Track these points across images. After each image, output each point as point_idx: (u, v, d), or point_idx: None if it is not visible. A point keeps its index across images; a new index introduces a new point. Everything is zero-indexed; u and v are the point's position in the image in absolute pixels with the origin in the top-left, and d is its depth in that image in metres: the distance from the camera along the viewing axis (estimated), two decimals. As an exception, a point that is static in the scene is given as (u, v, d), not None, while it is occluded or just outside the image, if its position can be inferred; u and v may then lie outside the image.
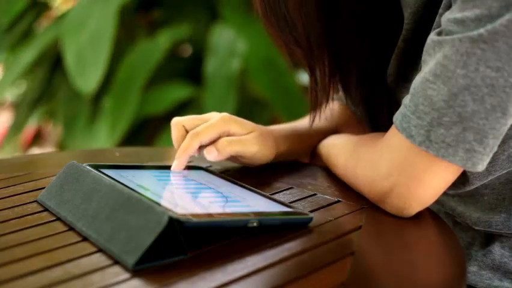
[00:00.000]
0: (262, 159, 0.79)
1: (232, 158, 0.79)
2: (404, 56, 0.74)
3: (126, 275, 0.51)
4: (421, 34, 0.67)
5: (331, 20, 0.74)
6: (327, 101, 0.79)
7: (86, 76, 1.85)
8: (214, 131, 0.75)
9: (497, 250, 0.75)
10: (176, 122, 0.77)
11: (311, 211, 0.65)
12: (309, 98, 0.79)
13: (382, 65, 0.78)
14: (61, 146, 2.22)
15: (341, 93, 0.91)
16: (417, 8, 0.69)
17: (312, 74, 0.77)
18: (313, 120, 0.80)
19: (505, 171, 0.69)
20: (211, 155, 0.74)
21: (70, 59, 1.87)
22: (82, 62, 1.86)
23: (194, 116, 0.78)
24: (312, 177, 0.80)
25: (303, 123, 0.87)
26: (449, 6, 0.62)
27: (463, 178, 0.67)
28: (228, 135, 0.76)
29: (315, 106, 0.79)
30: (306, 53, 0.75)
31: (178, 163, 0.74)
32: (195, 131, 0.75)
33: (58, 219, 0.61)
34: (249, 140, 0.77)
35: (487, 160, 0.61)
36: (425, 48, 0.63)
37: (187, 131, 0.76)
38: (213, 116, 0.78)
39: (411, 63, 0.72)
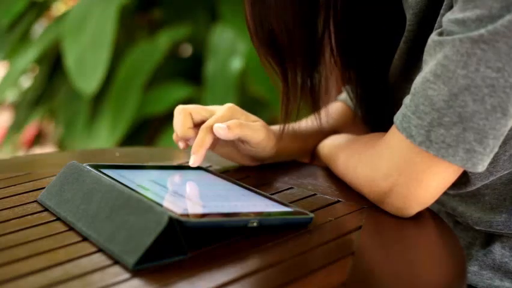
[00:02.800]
0: (265, 150, 0.79)
1: (234, 151, 0.79)
2: (406, 57, 0.74)
3: (126, 275, 0.50)
4: (423, 35, 0.67)
5: (312, 27, 0.76)
6: (298, 110, 0.80)
7: (87, 77, 1.85)
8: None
9: (497, 250, 0.75)
10: (183, 109, 0.77)
11: (311, 211, 0.65)
12: (280, 107, 0.79)
13: (384, 65, 0.78)
14: (61, 146, 2.22)
15: (343, 93, 0.91)
16: (420, 9, 0.69)
17: (285, 85, 0.77)
18: (284, 127, 0.80)
19: (507, 172, 0.69)
20: (222, 131, 0.73)
21: (70, 60, 1.87)
22: (82, 63, 1.86)
23: (199, 106, 0.78)
24: (312, 177, 0.80)
25: (302, 123, 0.87)
26: (451, 7, 0.62)
27: (464, 178, 0.67)
28: None
29: (286, 114, 0.79)
30: (281, 63, 0.76)
31: (196, 158, 0.73)
32: (208, 124, 0.74)
33: (58, 219, 0.61)
34: (256, 127, 0.77)
35: (487, 160, 0.61)
36: (425, 49, 0.63)
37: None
38: (218, 108, 0.78)
39: (413, 64, 0.72)
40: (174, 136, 0.80)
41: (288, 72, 0.77)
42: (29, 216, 0.62)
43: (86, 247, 0.55)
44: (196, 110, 0.77)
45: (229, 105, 0.78)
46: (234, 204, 0.67)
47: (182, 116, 0.77)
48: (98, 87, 1.86)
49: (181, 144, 0.79)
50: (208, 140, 0.73)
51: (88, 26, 1.89)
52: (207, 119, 0.76)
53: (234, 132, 0.74)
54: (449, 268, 0.58)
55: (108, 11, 1.88)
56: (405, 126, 0.63)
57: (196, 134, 0.75)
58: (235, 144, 0.78)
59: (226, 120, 0.75)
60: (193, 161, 0.73)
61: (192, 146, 0.75)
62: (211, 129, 0.74)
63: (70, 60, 1.87)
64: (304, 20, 0.75)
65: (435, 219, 0.69)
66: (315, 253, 0.58)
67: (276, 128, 0.83)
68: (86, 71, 1.85)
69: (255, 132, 0.76)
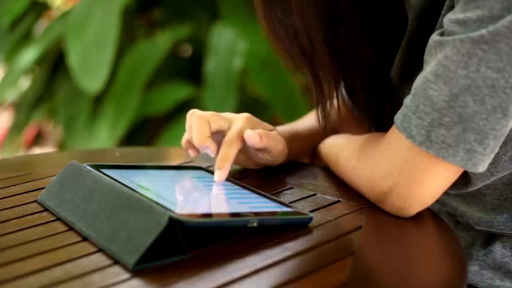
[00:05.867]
0: (282, 159, 0.80)
1: (241, 156, 0.78)
2: (408, 57, 0.73)
3: (126, 275, 0.51)
4: (425, 35, 0.67)
5: (333, 26, 0.74)
6: (336, 106, 0.79)
7: (91, 76, 1.85)
8: None
9: (498, 250, 0.75)
10: (200, 116, 0.74)
11: (311, 211, 0.65)
12: (315, 106, 0.78)
13: (385, 65, 0.78)
14: (61, 146, 2.22)
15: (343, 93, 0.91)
16: (421, 9, 0.69)
17: (316, 83, 0.77)
18: (324, 125, 0.79)
19: (507, 172, 0.69)
20: (254, 138, 0.72)
21: (73, 60, 1.87)
22: (86, 62, 1.86)
23: (216, 114, 0.76)
24: (312, 177, 0.80)
25: (302, 123, 0.87)
26: (452, 7, 0.62)
27: (465, 179, 0.67)
28: None
29: (323, 115, 0.78)
30: (310, 62, 0.75)
31: (221, 173, 0.71)
32: (231, 139, 0.73)
33: (58, 219, 0.61)
34: (277, 137, 0.77)
35: (487, 161, 0.61)
36: (426, 49, 0.63)
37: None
38: (233, 117, 0.77)
39: (414, 64, 0.72)
40: (184, 142, 0.77)
41: (322, 76, 0.76)
42: (29, 216, 0.62)
43: (86, 247, 0.55)
44: (213, 119, 0.74)
45: (246, 116, 0.76)
46: (233, 204, 0.67)
47: (199, 123, 0.73)
48: (103, 86, 1.86)
49: (192, 153, 0.77)
50: (232, 154, 0.72)
51: (91, 25, 1.89)
52: (223, 128, 0.75)
53: (264, 142, 0.74)
54: (449, 268, 0.58)
55: (110, 10, 1.88)
56: (405, 126, 0.63)
57: (214, 144, 0.73)
58: (248, 151, 0.77)
59: None
60: (218, 177, 0.71)
61: (203, 154, 0.74)
62: (235, 142, 0.73)
63: (73, 59, 1.87)
64: (329, 28, 0.73)
65: (436, 219, 0.69)
66: (315, 253, 0.58)
67: (279, 129, 0.83)
68: (90, 70, 1.85)
69: (277, 143, 0.77)
